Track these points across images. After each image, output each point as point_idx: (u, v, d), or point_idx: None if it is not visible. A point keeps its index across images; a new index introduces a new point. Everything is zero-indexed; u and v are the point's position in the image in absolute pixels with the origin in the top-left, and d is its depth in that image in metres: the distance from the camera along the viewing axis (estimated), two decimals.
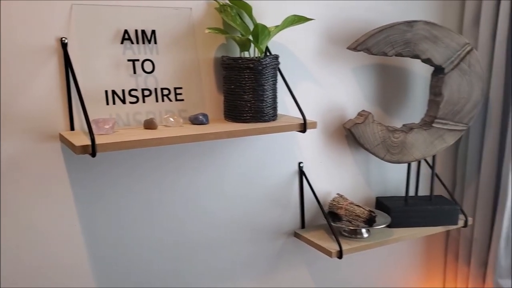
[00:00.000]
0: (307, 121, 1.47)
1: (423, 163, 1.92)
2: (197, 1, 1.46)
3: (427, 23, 1.67)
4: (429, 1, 1.89)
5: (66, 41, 1.28)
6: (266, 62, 1.43)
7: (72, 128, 1.33)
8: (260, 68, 1.42)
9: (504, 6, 1.82)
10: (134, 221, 1.49)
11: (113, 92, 1.35)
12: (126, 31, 1.36)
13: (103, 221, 1.44)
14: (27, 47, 1.25)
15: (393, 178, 1.97)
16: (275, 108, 1.50)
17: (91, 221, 1.42)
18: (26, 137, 1.29)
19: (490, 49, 1.91)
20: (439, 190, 2.00)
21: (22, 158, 1.29)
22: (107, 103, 1.34)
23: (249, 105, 1.44)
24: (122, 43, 1.36)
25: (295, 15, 1.48)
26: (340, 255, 1.61)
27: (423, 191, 2.00)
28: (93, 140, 1.14)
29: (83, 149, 1.15)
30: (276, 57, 1.47)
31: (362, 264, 1.99)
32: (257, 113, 1.45)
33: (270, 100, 1.47)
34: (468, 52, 1.73)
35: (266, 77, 1.44)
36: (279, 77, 1.52)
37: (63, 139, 1.28)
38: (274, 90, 1.48)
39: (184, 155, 1.53)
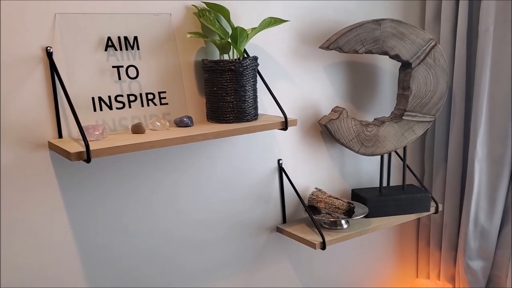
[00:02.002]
0: (288, 119, 1.52)
1: (393, 154, 2.01)
2: (177, 6, 1.49)
3: (393, 20, 1.75)
4: (391, 1, 1.98)
5: (51, 50, 1.29)
6: (247, 63, 1.47)
7: (60, 136, 1.34)
8: (241, 69, 1.46)
9: (463, 5, 1.93)
10: (122, 224, 1.50)
11: (100, 98, 1.37)
12: (109, 38, 1.38)
13: (93, 225, 1.45)
14: (13, 57, 1.26)
15: (366, 170, 2.05)
16: (256, 108, 1.54)
17: (82, 226, 1.43)
18: (15, 146, 1.29)
19: (451, 44, 2.01)
20: (409, 180, 2.08)
21: (12, 167, 1.30)
22: (95, 110, 1.36)
23: (231, 106, 1.48)
24: (106, 50, 1.38)
25: (271, 17, 1.53)
26: (323, 246, 1.67)
27: (394, 181, 2.09)
28: (87, 146, 1.16)
29: (78, 156, 1.16)
30: (256, 58, 1.52)
31: (339, 253, 2.06)
32: (240, 114, 1.49)
33: (251, 100, 1.51)
34: (433, 47, 1.82)
35: (247, 78, 1.48)
36: (257, 78, 1.57)
37: (53, 147, 1.29)
38: (255, 90, 1.53)
39: (167, 157, 1.55)
